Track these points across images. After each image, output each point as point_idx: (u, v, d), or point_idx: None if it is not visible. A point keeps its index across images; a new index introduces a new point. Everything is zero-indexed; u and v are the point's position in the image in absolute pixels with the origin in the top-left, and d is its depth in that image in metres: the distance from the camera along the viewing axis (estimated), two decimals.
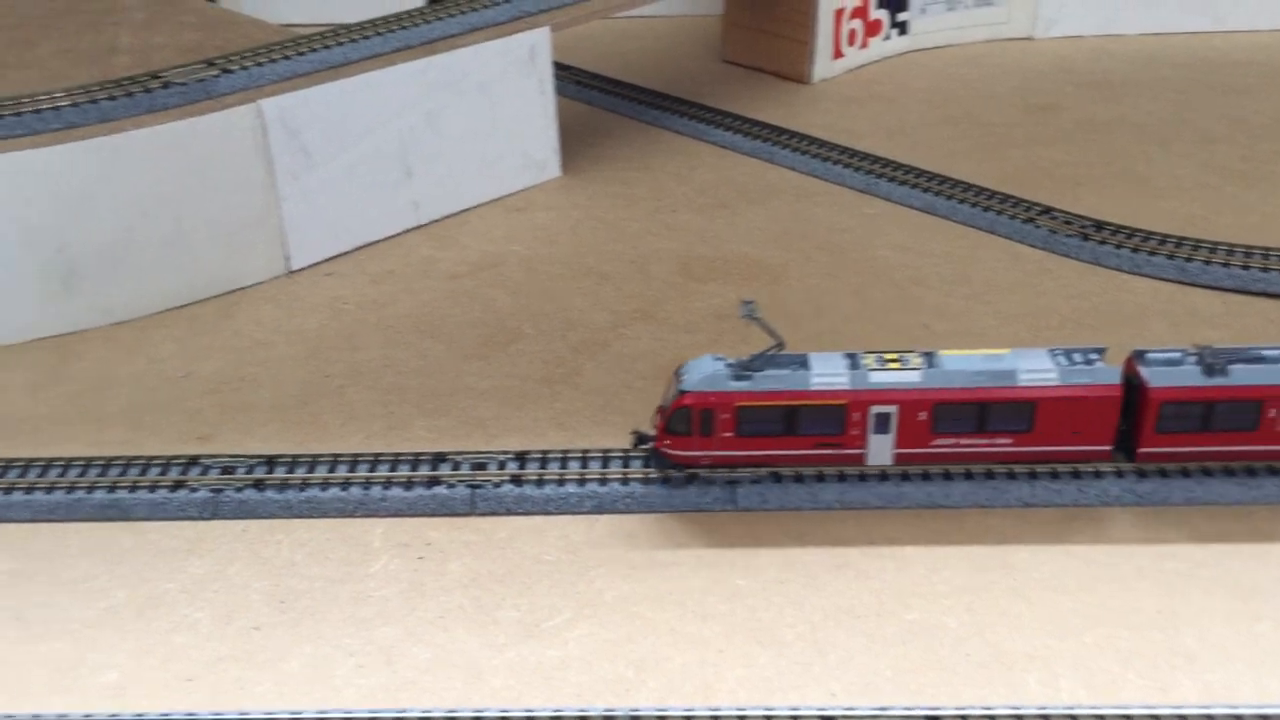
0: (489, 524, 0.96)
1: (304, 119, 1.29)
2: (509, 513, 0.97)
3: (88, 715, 0.78)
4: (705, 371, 0.94)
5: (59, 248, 1.19)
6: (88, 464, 1.00)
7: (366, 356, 1.18)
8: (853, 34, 1.83)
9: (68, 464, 1.00)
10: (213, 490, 0.98)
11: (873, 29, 1.85)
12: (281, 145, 1.28)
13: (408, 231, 1.41)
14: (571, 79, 1.79)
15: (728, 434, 0.94)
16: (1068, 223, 1.36)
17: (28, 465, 1.00)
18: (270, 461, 1.00)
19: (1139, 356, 0.96)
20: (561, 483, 0.97)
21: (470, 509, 0.97)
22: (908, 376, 0.94)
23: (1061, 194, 1.44)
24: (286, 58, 1.33)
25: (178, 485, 0.98)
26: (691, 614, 0.87)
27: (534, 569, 0.91)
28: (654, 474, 0.97)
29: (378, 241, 1.39)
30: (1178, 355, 0.95)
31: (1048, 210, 1.39)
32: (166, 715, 0.78)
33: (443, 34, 1.43)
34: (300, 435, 1.06)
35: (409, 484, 0.98)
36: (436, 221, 1.43)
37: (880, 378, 0.94)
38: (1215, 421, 0.93)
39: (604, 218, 1.44)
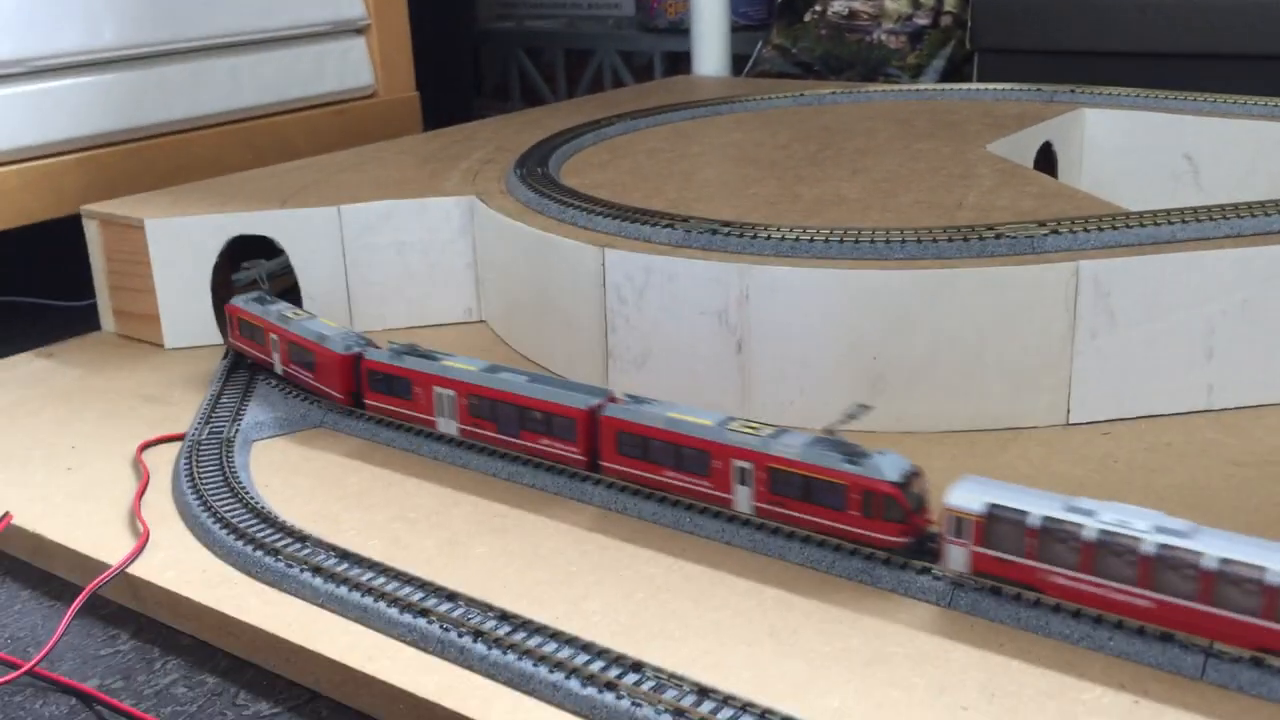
0: (1216, 694, 0.93)
1: (1117, 284, 1.36)
2: (1240, 690, 0.92)
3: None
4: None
5: (875, 356, 1.39)
6: None
7: None
8: None
9: None
10: (953, 583, 1.07)
11: None
12: (1089, 305, 1.36)
13: (1194, 413, 1.40)
14: None
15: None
16: None
17: None
18: None
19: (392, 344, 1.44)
20: None
21: (1199, 675, 0.94)
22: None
23: None
24: (1114, 228, 1.41)
25: (923, 570, 1.09)
26: None
27: None
28: None
29: (1160, 415, 1.40)
30: (399, 347, 1.43)
31: None
32: None
33: (1278, 228, 1.41)
34: None
35: (1141, 632, 0.98)
36: (1229, 410, 1.40)
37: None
38: (396, 390, 1.39)
39: None
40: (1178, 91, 2.19)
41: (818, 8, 2.94)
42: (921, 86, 2.46)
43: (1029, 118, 2.15)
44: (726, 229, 1.48)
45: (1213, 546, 0.92)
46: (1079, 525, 0.98)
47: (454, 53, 3.78)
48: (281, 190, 1.92)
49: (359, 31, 2.49)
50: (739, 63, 3.10)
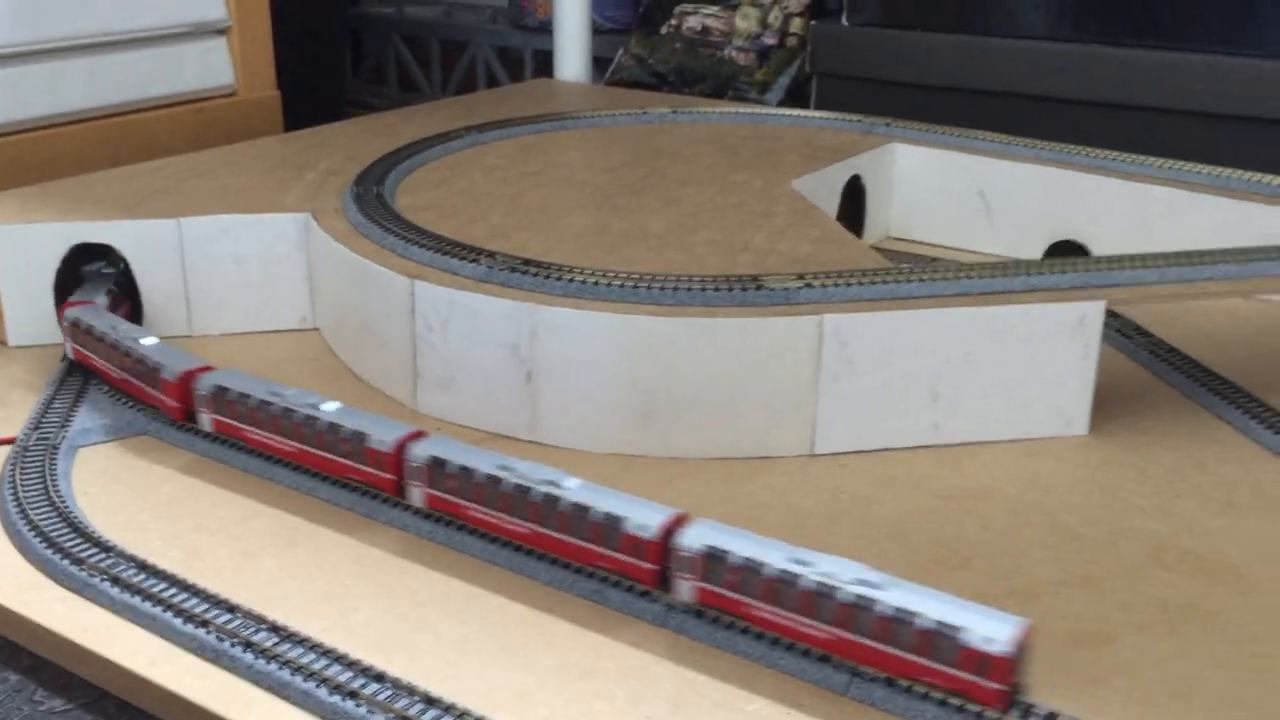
0: (855, 708, 1.12)
1: (857, 336, 1.55)
2: (874, 705, 1.12)
3: None
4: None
5: (646, 392, 1.56)
6: None
7: (832, 541, 1.39)
8: None
9: None
10: (666, 605, 1.25)
11: None
12: (832, 353, 1.55)
13: (921, 447, 1.60)
14: (1147, 347, 1.86)
15: None
16: None
17: None
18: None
19: None
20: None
21: (844, 691, 1.14)
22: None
23: None
24: (861, 284, 1.60)
25: (643, 593, 1.27)
26: None
27: None
28: None
29: (895, 449, 1.60)
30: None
31: None
32: None
33: (1003, 289, 1.61)
34: None
35: (806, 654, 1.17)
36: (949, 446, 1.60)
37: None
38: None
39: (1106, 484, 1.52)
40: (982, 131, 2.39)
41: (674, 21, 3.10)
42: (754, 110, 2.63)
43: (844, 150, 2.34)
44: (525, 268, 1.64)
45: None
46: None
47: (332, 37, 3.86)
48: (131, 195, 2.03)
49: (220, 32, 2.58)
50: (605, 65, 3.24)
